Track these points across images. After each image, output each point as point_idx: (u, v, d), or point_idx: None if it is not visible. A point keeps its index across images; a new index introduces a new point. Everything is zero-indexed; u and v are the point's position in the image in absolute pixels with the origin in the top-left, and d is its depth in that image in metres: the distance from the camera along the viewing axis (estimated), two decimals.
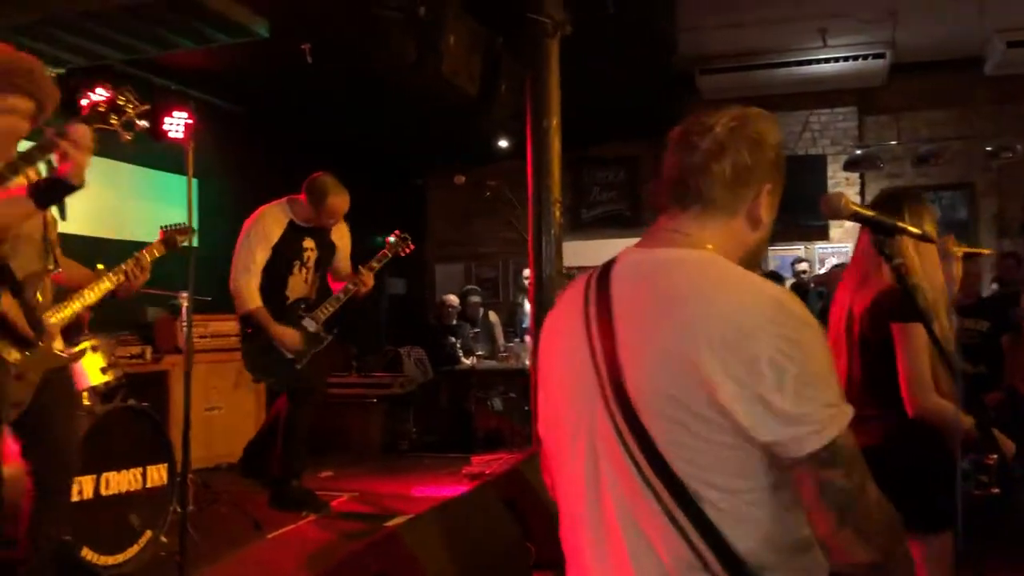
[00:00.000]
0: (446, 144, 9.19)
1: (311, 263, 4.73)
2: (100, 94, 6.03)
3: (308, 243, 4.71)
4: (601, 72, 7.02)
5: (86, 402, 4.06)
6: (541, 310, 5.05)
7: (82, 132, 2.48)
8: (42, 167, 2.57)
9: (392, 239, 5.00)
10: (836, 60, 8.13)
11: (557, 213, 5.04)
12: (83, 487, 3.73)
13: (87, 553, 3.66)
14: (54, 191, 2.51)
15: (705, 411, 1.20)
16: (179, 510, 4.26)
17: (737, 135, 1.37)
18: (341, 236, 4.92)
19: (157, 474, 4.10)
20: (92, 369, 4.06)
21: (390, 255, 4.93)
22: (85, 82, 6.09)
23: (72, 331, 4.09)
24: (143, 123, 2.71)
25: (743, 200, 1.38)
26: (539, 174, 5.08)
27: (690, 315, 1.23)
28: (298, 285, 4.70)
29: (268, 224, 4.59)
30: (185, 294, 4.75)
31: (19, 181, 2.55)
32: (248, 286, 4.51)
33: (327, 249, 4.82)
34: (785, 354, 1.18)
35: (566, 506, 1.40)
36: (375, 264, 4.82)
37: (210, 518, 4.50)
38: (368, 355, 7.76)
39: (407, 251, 5.03)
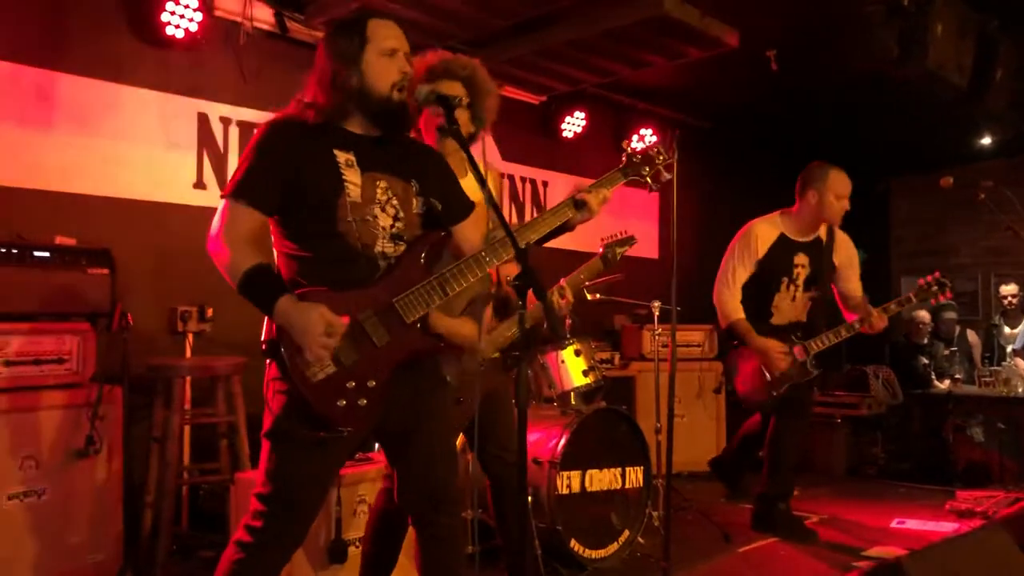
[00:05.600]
0: (914, 145, 8.42)
1: (800, 280, 4.47)
2: (579, 119, 6.52)
3: (800, 259, 4.46)
4: None
5: (572, 402, 4.37)
6: None
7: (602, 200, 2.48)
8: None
9: (928, 285, 4.39)
10: None
11: None
12: (571, 482, 3.99)
13: (575, 545, 3.90)
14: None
15: None
16: (653, 513, 4.40)
17: None
18: (845, 251, 4.56)
19: (634, 476, 4.25)
20: (575, 371, 4.29)
21: (916, 301, 4.42)
22: (565, 107, 6.65)
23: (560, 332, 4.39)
24: (668, 176, 2.58)
25: None
26: None
27: None
28: (784, 303, 4.48)
29: (753, 240, 4.47)
30: (656, 303, 4.92)
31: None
32: (728, 300, 4.46)
33: (822, 267, 4.49)
34: None
35: None
36: (893, 307, 4.37)
37: (678, 524, 4.48)
38: (828, 372, 7.34)
39: (944, 297, 4.40)
